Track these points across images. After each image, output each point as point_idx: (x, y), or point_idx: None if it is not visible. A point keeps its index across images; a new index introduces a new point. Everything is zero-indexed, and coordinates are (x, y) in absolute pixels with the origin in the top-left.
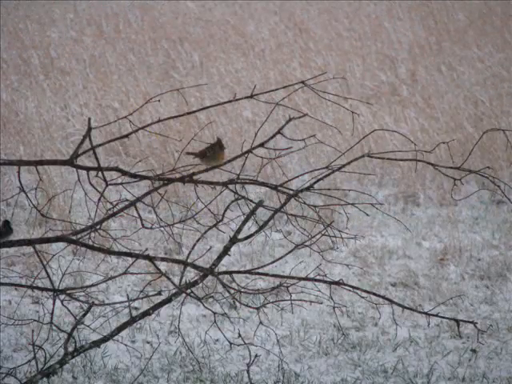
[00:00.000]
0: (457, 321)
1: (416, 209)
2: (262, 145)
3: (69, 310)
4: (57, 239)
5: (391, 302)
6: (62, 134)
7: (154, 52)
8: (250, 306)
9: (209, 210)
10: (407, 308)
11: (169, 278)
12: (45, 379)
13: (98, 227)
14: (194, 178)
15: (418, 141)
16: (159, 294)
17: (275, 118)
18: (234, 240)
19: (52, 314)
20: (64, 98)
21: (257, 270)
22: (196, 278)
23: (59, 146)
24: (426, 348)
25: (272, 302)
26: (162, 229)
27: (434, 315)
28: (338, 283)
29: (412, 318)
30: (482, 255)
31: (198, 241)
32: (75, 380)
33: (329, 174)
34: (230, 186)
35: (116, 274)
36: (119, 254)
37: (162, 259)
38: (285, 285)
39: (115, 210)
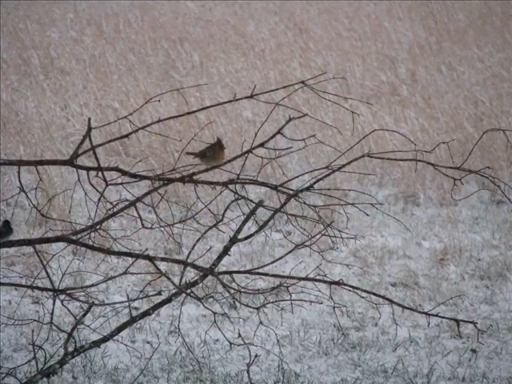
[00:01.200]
0: (457, 321)
1: (416, 209)
2: (262, 145)
3: (69, 310)
4: (57, 239)
5: (391, 302)
6: (62, 134)
7: (154, 52)
8: (250, 306)
9: (209, 210)
10: (407, 308)
11: (169, 278)
12: (45, 379)
13: (98, 227)
14: (194, 178)
15: (418, 141)
16: (159, 294)
17: (275, 118)
18: (234, 240)
19: (52, 314)
20: (64, 98)
21: (257, 270)
22: (196, 278)
23: (59, 146)
24: (426, 348)
25: (272, 302)
26: (162, 229)
27: (434, 315)
28: (337, 283)
29: (412, 318)
30: (482, 255)
31: (197, 241)
32: (75, 380)
33: (329, 174)
34: (230, 186)
35: (116, 274)
36: (119, 253)
37: (162, 259)
38: (285, 285)
39: (115, 210)
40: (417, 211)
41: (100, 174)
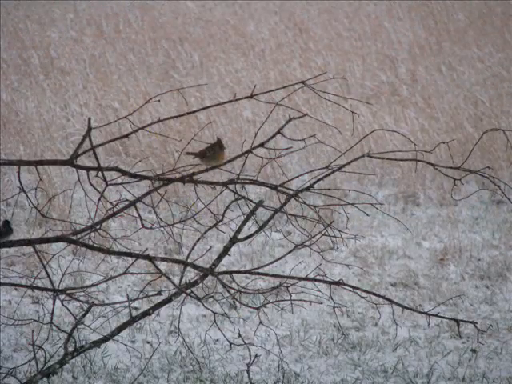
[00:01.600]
0: (457, 321)
1: (416, 209)
2: (262, 145)
3: (69, 310)
4: (57, 239)
5: (391, 302)
6: (62, 134)
7: (154, 52)
8: (250, 306)
9: (209, 210)
10: (407, 308)
11: (169, 278)
12: (45, 379)
13: (98, 227)
14: (194, 178)
15: (418, 141)
16: (159, 294)
17: (275, 118)
18: (234, 240)
19: (52, 314)
20: (64, 98)
21: (257, 270)
22: (196, 278)
23: (59, 146)
24: (425, 348)
25: (272, 302)
26: (162, 229)
27: (434, 315)
28: (338, 283)
29: (412, 318)
30: (482, 255)
31: (197, 241)
32: (75, 380)
33: (329, 174)
34: (230, 186)
35: (116, 274)
36: (119, 253)
37: (162, 259)
38: (285, 285)
39: (115, 210)
40: (417, 211)
41: (100, 173)
